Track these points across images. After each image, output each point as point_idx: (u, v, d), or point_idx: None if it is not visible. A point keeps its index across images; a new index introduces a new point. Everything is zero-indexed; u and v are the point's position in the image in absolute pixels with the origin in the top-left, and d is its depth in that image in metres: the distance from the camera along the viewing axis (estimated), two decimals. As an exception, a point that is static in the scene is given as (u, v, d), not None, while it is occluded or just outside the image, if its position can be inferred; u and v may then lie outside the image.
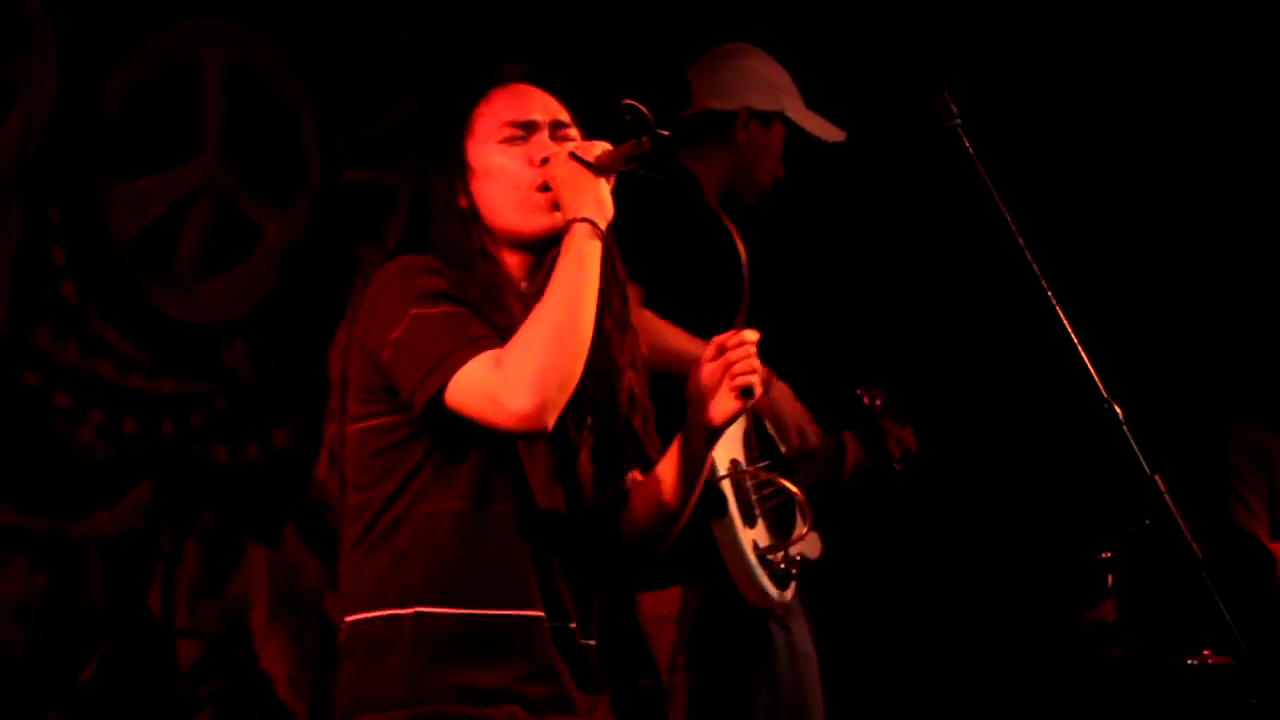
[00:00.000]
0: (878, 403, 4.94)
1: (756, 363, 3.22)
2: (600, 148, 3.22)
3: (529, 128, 3.31)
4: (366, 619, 3.22)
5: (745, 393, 3.19)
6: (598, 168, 3.19)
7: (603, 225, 3.19)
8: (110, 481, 5.41)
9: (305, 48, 5.75)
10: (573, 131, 3.33)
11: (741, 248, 3.24)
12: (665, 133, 3.19)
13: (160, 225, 5.54)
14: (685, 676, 4.49)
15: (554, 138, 3.31)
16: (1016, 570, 6.67)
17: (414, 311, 3.15)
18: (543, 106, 3.34)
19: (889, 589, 6.72)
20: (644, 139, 3.16)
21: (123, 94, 5.47)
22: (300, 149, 5.77)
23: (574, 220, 3.17)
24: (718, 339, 3.21)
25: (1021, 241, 3.24)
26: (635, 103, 3.18)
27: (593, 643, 3.30)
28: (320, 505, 5.58)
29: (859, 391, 4.98)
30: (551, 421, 3.09)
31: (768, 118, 4.98)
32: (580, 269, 3.13)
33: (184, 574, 5.53)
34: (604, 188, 3.20)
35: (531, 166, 3.28)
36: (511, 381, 3.07)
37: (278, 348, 5.72)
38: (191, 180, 5.60)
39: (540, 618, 3.19)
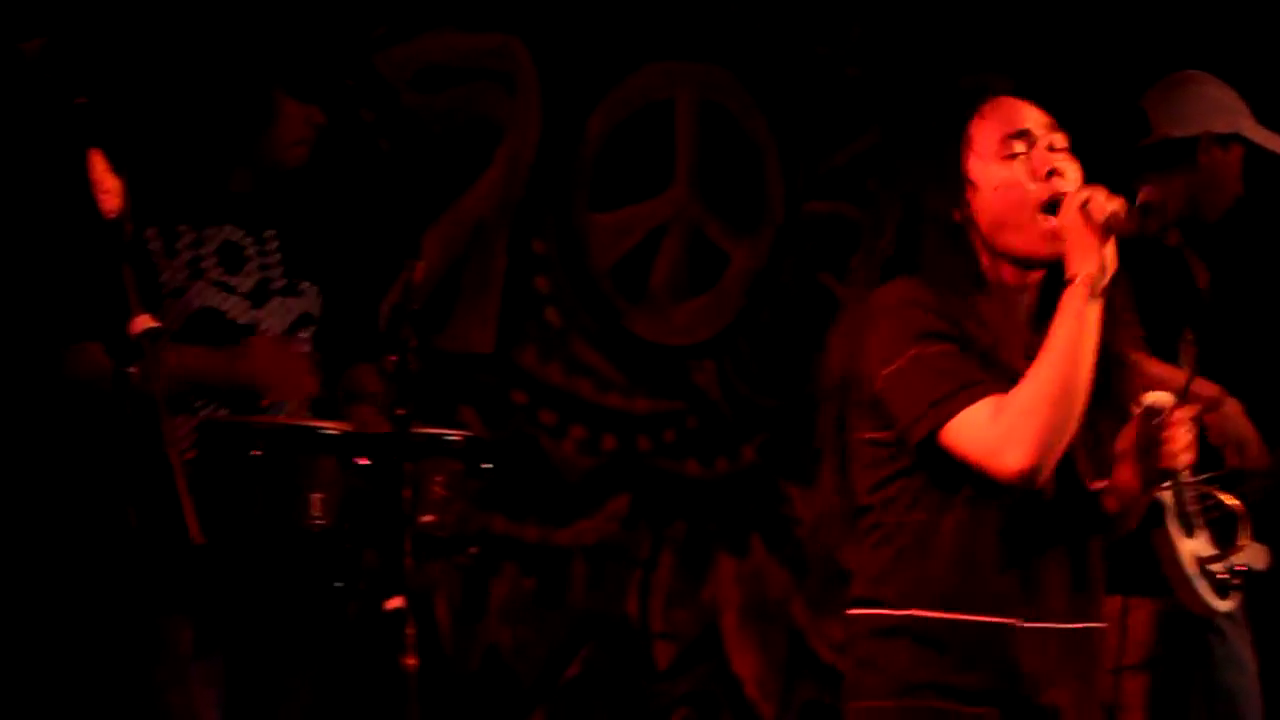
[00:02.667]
0: None
1: (1187, 440, 3.22)
2: (1109, 205, 3.14)
3: (1027, 138, 3.25)
4: (864, 615, 3.27)
5: (1165, 474, 3.21)
6: (1105, 229, 3.13)
7: (1104, 283, 3.14)
8: (591, 493, 5.64)
9: (768, 86, 5.91)
10: (1058, 138, 3.26)
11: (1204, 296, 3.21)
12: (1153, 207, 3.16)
13: (636, 254, 5.76)
14: (1124, 683, 4.50)
15: (1050, 147, 3.25)
16: None
17: (912, 351, 3.16)
18: (1034, 118, 3.28)
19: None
20: (1150, 222, 3.12)
21: (601, 132, 5.72)
22: (764, 181, 5.93)
23: (1076, 277, 3.13)
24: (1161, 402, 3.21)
25: None
26: (1148, 201, 3.15)
27: (1089, 650, 3.29)
28: (787, 518, 5.78)
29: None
30: (1043, 481, 3.12)
31: (1226, 140, 4.95)
32: (1080, 329, 3.11)
33: (659, 580, 5.72)
34: (1109, 246, 3.15)
35: (1034, 181, 3.23)
36: (1010, 440, 3.09)
37: (745, 369, 5.86)
38: (664, 212, 5.80)
39: (1025, 625, 3.19)
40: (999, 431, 3.10)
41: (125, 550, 2.94)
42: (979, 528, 3.19)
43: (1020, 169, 3.23)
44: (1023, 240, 3.22)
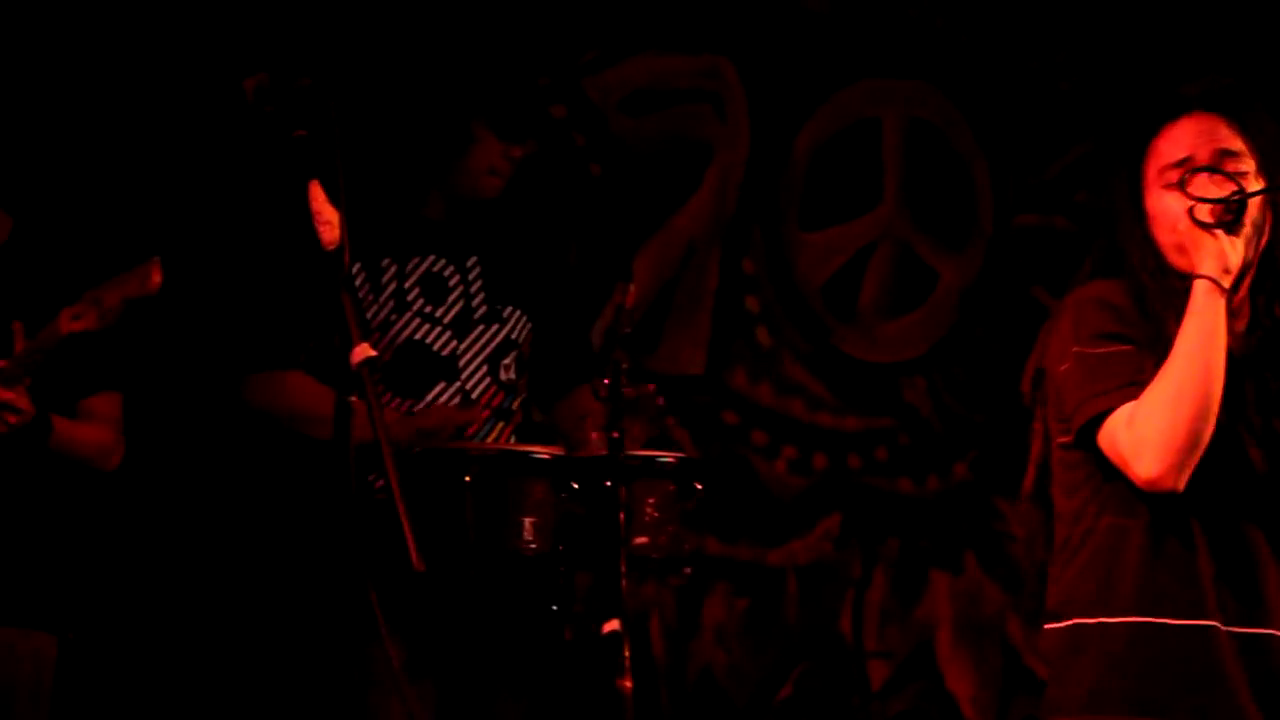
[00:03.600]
0: None
1: None
2: (1208, 202, 3.16)
3: (1187, 165, 3.22)
4: (1059, 628, 3.25)
5: None
6: (1214, 225, 3.15)
7: (1225, 280, 3.13)
8: (803, 512, 5.63)
9: (977, 101, 5.86)
10: (1244, 163, 3.22)
11: None
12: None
13: (845, 272, 5.75)
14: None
15: (1219, 169, 3.21)
16: None
17: (1076, 349, 3.18)
18: (1205, 138, 3.24)
19: None
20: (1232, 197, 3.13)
21: (809, 151, 5.71)
22: (974, 196, 5.88)
23: (1196, 279, 3.14)
24: None
25: None
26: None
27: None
28: (1000, 534, 5.72)
29: None
30: (1182, 482, 3.09)
31: None
32: (1203, 328, 3.10)
33: (873, 598, 5.69)
34: (1223, 241, 3.15)
35: (1182, 218, 3.22)
36: (1139, 446, 3.09)
37: (956, 385, 5.82)
38: (873, 229, 5.78)
39: (1216, 628, 3.15)
40: (1130, 439, 3.11)
41: (343, 577, 2.97)
42: (1168, 531, 3.16)
43: (1176, 200, 3.22)
44: (1188, 263, 3.20)
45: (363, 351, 2.99)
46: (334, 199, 3.07)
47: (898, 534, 5.72)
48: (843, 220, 5.76)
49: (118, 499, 4.54)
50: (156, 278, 3.71)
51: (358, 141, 4.62)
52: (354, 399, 2.99)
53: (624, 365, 3.83)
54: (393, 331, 4.22)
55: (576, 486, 3.90)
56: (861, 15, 5.72)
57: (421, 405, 4.21)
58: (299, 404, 4.15)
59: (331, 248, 3.05)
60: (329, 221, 3.05)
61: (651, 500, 3.97)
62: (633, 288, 3.92)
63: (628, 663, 3.58)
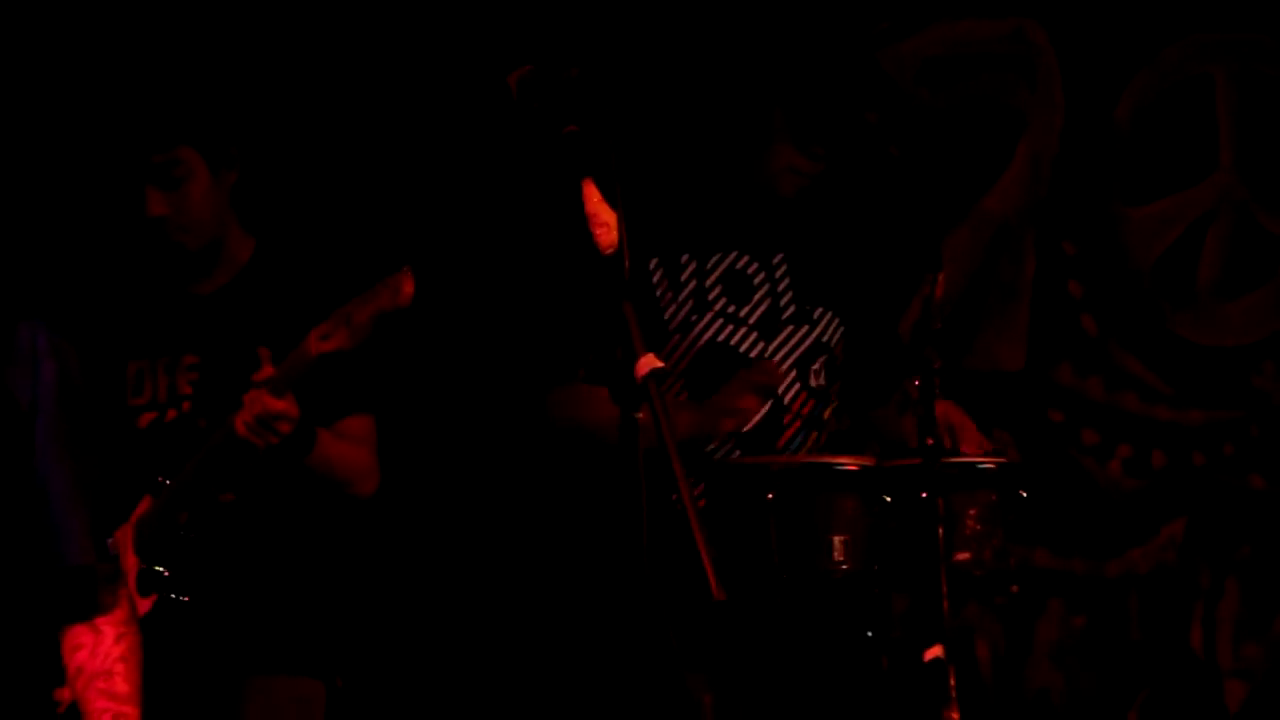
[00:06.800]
0: None
1: None
2: None
3: None
4: None
5: None
6: None
7: None
8: (1142, 517, 5.54)
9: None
10: None
11: None
12: None
13: (1178, 249, 5.63)
14: None
15: None
16: None
17: None
18: None
19: None
20: None
21: (1131, 117, 5.61)
22: (1323, 157, 5.73)
23: None
24: None
25: None
26: None
27: None
28: None
29: None
30: None
31: None
32: None
33: (1226, 611, 5.57)
34: None
35: None
36: None
37: (1312, 367, 5.70)
38: (1207, 199, 5.65)
39: None
40: None
41: (643, 608, 2.96)
42: None
43: None
44: None
45: (649, 363, 2.96)
46: (610, 199, 3.05)
47: (1250, 538, 5.60)
48: (1174, 191, 5.65)
49: (376, 529, 4.61)
50: (408, 289, 3.73)
51: (640, 134, 4.72)
52: (641, 415, 2.97)
53: (935, 364, 3.78)
54: (694, 333, 4.22)
55: (890, 500, 3.87)
56: (1187, -38, 5.62)
57: None
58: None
59: (610, 251, 3.03)
60: (606, 223, 3.03)
61: (973, 511, 3.94)
62: (941, 277, 3.88)
63: (954, 692, 3.53)
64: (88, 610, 3.09)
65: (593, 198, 3.05)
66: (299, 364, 3.86)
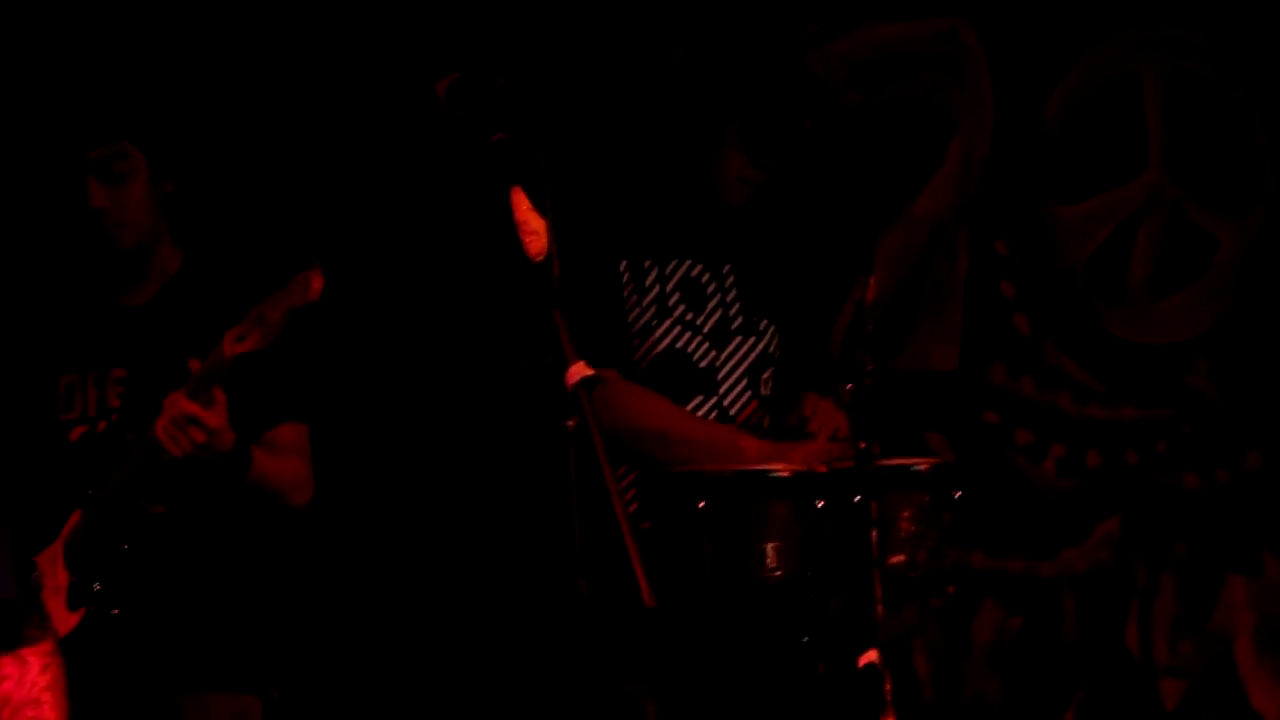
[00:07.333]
0: None
1: None
2: None
3: None
4: None
5: None
6: None
7: None
8: (1077, 517, 5.56)
9: (1257, 48, 5.69)
10: None
11: None
12: None
13: (1110, 247, 5.65)
14: None
15: None
16: None
17: None
18: None
19: None
20: None
21: (1060, 115, 5.62)
22: (1254, 155, 5.71)
23: None
24: None
25: None
26: None
27: None
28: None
29: None
30: None
31: None
32: None
33: (1161, 609, 5.59)
34: None
35: None
36: None
37: (1242, 365, 5.68)
38: (1138, 197, 5.66)
39: None
40: None
41: (578, 618, 2.96)
42: None
43: None
44: None
45: (579, 370, 2.97)
46: (539, 206, 3.06)
47: (1185, 535, 5.62)
48: (1104, 189, 5.67)
49: (308, 539, 4.59)
50: (317, 284, 3.74)
51: (589, 139, 4.72)
52: (570, 423, 2.97)
53: (868, 366, 3.78)
54: (652, 338, 4.23)
55: (823, 504, 3.87)
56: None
57: None
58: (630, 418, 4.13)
59: (539, 259, 3.03)
60: (535, 231, 3.04)
61: (906, 513, 3.93)
62: (873, 279, 3.88)
63: (889, 696, 3.54)
64: (10, 643, 3.09)
65: (522, 205, 3.06)
66: (215, 367, 3.86)
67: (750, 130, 4.21)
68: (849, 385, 3.80)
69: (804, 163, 5.09)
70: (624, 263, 4.22)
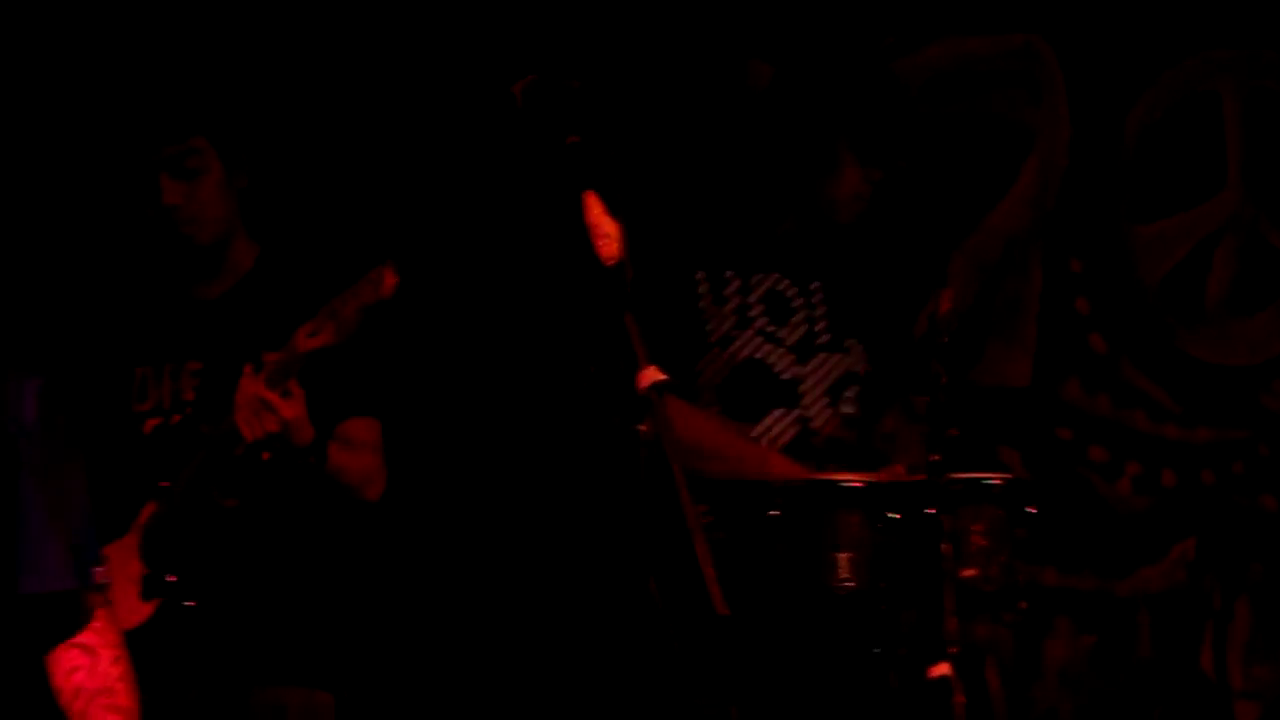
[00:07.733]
0: None
1: None
2: None
3: None
4: None
5: None
6: None
7: None
8: (1152, 536, 5.54)
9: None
10: None
11: None
12: None
13: (1187, 266, 5.64)
14: None
15: None
16: None
17: None
18: None
19: None
20: None
21: (1139, 133, 5.61)
22: (1333, 172, 5.73)
23: None
24: None
25: None
26: None
27: None
28: None
29: None
30: None
31: None
32: None
33: (1236, 631, 5.57)
34: None
35: None
36: None
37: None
38: (1217, 217, 5.65)
39: None
40: None
41: (647, 624, 2.96)
42: None
43: None
44: None
45: (651, 375, 2.96)
46: (613, 210, 3.05)
47: (1262, 558, 5.60)
48: (1182, 208, 5.66)
49: (383, 534, 4.60)
50: (390, 281, 3.74)
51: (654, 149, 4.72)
52: (643, 428, 2.96)
53: (942, 380, 3.78)
54: (732, 348, 4.23)
55: (896, 516, 3.87)
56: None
57: (757, 431, 4.23)
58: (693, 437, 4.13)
59: (612, 263, 3.03)
60: (608, 235, 3.03)
61: (979, 528, 3.92)
62: (948, 293, 3.88)
63: (960, 710, 3.52)
64: (73, 635, 3.11)
65: (594, 209, 3.05)
66: (289, 361, 3.87)
67: (865, 144, 4.22)
68: (923, 398, 3.80)
69: (907, 177, 5.13)
70: (701, 273, 4.24)
